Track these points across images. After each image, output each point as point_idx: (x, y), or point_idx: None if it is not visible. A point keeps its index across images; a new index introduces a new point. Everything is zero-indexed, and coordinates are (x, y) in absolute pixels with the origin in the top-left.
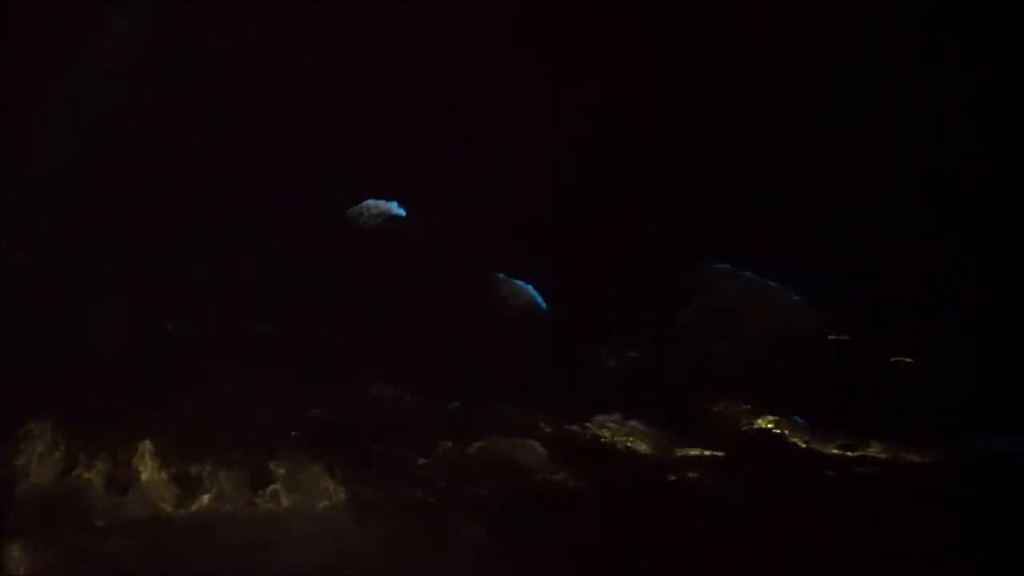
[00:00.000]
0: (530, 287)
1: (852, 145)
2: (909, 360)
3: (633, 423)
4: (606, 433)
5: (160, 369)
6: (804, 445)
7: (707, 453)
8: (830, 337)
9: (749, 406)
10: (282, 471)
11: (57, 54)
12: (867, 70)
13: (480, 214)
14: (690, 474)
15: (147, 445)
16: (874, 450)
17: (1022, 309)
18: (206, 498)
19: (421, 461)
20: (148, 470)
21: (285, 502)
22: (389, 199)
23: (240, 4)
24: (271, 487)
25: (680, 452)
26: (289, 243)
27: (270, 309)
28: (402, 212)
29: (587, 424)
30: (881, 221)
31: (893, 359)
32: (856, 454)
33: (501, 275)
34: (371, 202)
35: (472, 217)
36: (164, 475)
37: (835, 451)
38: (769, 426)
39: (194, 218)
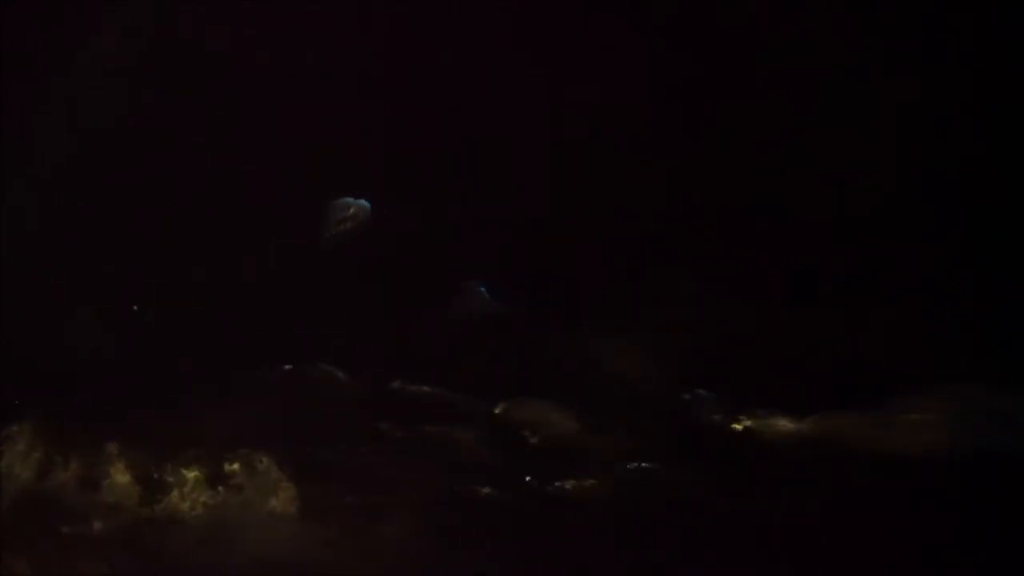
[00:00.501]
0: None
1: (852, 145)
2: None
3: (554, 406)
4: (526, 415)
5: (135, 371)
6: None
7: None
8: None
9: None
10: (240, 469)
11: (57, 54)
12: (867, 70)
13: (478, 214)
14: (616, 459)
15: (115, 447)
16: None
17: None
18: (173, 497)
19: (365, 452)
20: (119, 471)
21: (243, 499)
22: (387, 198)
23: (240, 4)
24: (231, 484)
25: (604, 437)
26: (290, 243)
27: (247, 308)
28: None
29: (508, 406)
30: (881, 221)
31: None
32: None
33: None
34: (342, 200)
35: (470, 217)
36: (133, 476)
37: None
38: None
39: (194, 218)
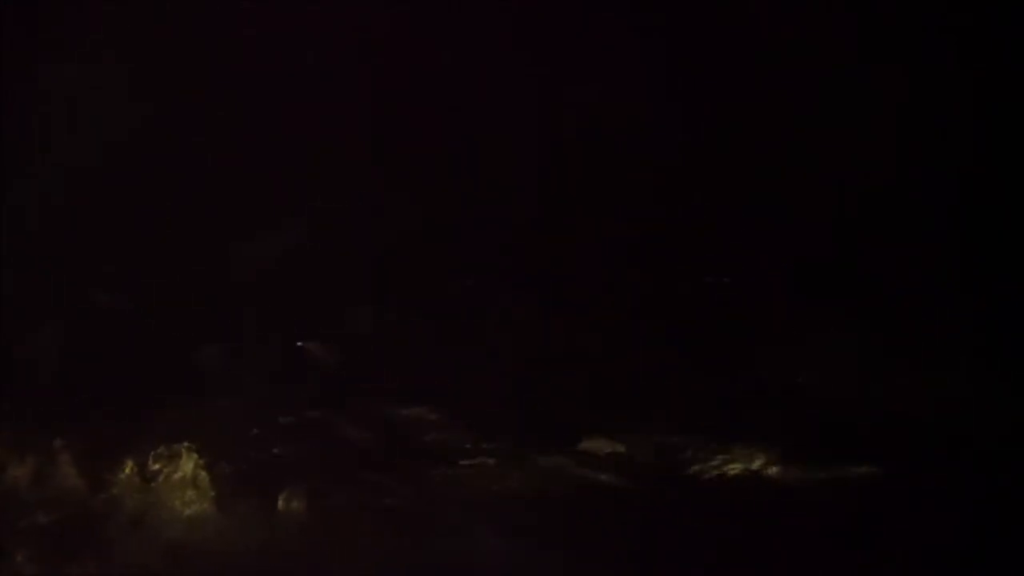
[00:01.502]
0: None
1: (852, 145)
2: None
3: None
4: None
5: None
6: None
7: None
8: None
9: None
10: (160, 466)
11: (56, 53)
12: (867, 70)
13: (478, 214)
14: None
15: (60, 442)
16: None
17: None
18: (113, 491)
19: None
20: (65, 466)
21: (166, 489)
22: (386, 198)
23: (240, 4)
24: (160, 476)
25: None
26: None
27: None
28: None
29: None
30: (881, 221)
31: None
32: None
33: None
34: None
35: (470, 217)
36: (79, 471)
37: None
38: None
39: (193, 218)
